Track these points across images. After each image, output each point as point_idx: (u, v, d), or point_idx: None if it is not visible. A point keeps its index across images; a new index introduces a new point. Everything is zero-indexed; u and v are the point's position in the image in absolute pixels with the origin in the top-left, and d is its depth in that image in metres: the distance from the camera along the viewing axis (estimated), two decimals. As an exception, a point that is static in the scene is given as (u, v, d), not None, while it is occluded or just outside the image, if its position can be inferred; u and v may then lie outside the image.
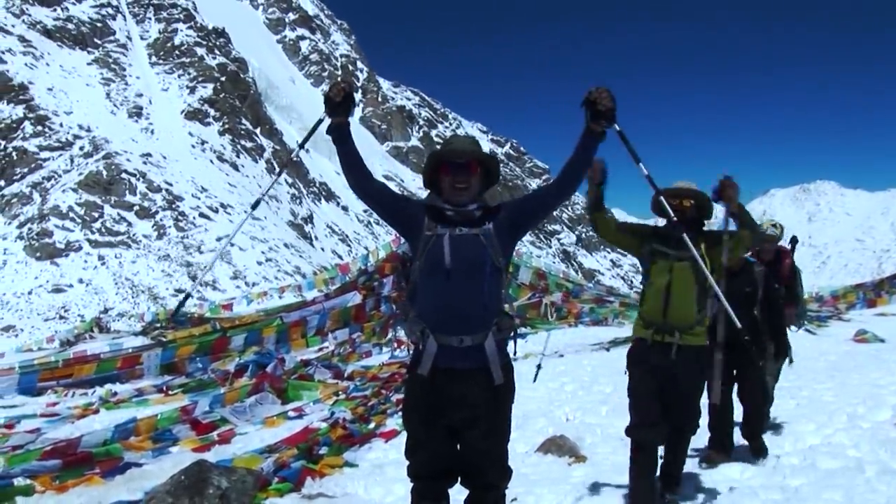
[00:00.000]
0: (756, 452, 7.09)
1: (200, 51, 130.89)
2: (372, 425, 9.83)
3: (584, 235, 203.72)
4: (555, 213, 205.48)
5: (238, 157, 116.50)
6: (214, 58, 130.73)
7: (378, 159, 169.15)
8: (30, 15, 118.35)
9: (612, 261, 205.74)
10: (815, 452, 7.03)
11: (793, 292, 8.38)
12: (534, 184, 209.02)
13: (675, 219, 5.22)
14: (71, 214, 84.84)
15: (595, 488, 6.34)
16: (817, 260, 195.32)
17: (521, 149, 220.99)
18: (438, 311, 3.94)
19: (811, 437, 7.82)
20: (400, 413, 10.93)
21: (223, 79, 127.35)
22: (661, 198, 5.08)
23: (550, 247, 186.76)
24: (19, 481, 7.06)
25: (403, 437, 9.37)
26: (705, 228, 5.85)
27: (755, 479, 6.43)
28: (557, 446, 7.96)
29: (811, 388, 10.67)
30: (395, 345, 18.55)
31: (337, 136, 4.41)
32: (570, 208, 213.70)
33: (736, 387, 7.20)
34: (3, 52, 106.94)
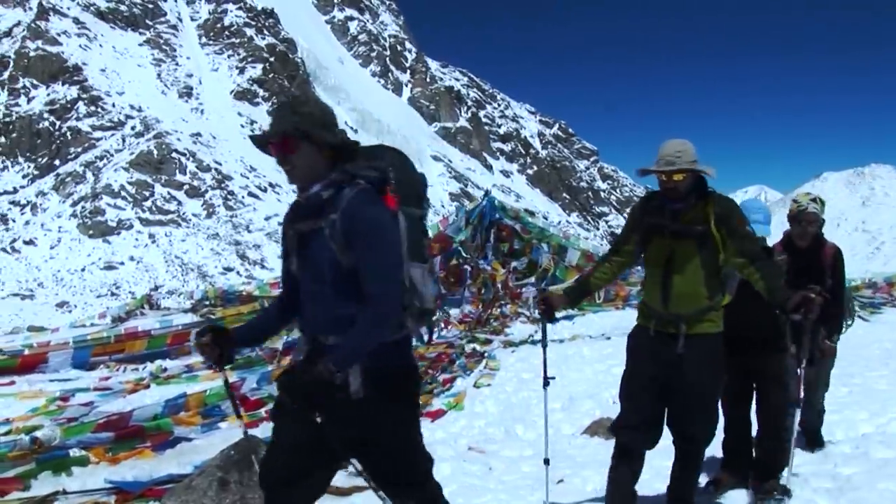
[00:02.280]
0: (765, 496, 5.68)
1: (250, 31, 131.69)
2: (419, 405, 9.84)
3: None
4: (602, 195, 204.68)
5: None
6: (263, 38, 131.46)
7: (426, 140, 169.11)
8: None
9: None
10: (869, 441, 6.69)
11: (838, 290, 6.17)
12: (582, 165, 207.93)
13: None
14: (123, 193, 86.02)
15: (642, 472, 6.16)
16: (871, 245, 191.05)
17: (570, 130, 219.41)
18: None
19: (864, 426, 7.57)
20: (447, 392, 10.97)
21: (272, 59, 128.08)
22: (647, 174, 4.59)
23: (598, 228, 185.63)
24: (75, 452, 7.18)
25: (450, 416, 9.44)
26: (710, 190, 4.68)
27: (805, 467, 5.98)
28: (604, 429, 7.89)
29: (864, 375, 10.37)
30: (442, 325, 18.52)
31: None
32: (618, 190, 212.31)
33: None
34: (58, 35, 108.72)
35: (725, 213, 4.51)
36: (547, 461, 5.36)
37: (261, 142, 3.35)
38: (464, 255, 22.65)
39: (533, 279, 23.97)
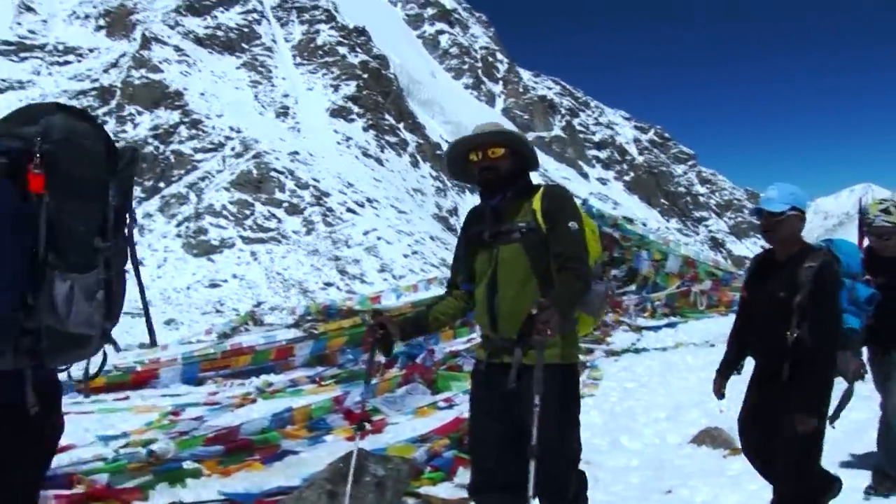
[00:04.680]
0: None
1: (342, 50, 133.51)
2: (523, 415, 9.77)
3: (733, 222, 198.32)
4: (701, 199, 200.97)
5: (382, 151, 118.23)
6: (356, 56, 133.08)
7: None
8: (183, 25, 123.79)
9: (762, 247, 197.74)
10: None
11: None
12: (679, 169, 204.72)
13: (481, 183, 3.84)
14: (224, 212, 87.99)
15: (753, 482, 5.66)
16: None
17: (666, 134, 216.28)
18: None
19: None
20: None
21: (365, 76, 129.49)
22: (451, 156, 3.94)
23: (698, 234, 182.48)
24: (188, 464, 7.34)
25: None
26: (536, 182, 3.92)
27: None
28: (712, 438, 7.76)
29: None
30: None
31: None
32: (717, 194, 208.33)
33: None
34: (160, 62, 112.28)
35: (554, 202, 3.69)
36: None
37: None
38: (562, 264, 22.50)
39: (634, 287, 23.71)
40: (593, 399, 10.72)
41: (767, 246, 4.63)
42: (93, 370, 3.04)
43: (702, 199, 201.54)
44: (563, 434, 3.60)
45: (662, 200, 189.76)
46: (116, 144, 2.83)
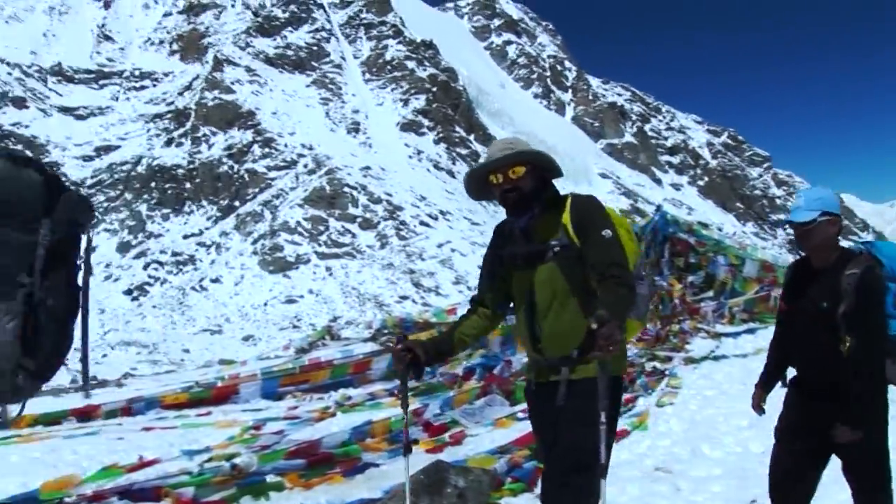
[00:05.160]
0: None
1: (411, 64, 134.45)
2: (602, 425, 9.69)
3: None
4: (778, 202, 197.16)
5: (454, 164, 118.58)
6: (425, 69, 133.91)
7: (592, 158, 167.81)
8: (254, 46, 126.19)
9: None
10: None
11: None
12: (754, 172, 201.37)
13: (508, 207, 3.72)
14: (299, 229, 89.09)
15: (842, 491, 5.30)
16: None
17: (740, 137, 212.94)
18: None
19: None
20: (630, 412, 10.77)
21: (434, 89, 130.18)
22: (471, 179, 3.83)
23: (776, 237, 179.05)
24: (271, 478, 7.43)
25: (634, 436, 9.25)
26: (564, 192, 3.80)
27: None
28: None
29: None
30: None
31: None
32: (794, 196, 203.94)
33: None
34: (232, 83, 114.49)
35: (584, 214, 3.57)
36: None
37: None
38: (639, 271, 22.25)
39: (711, 293, 23.33)
40: (673, 408, 10.58)
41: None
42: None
43: (778, 201, 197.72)
44: (608, 448, 3.38)
45: (738, 204, 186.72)
46: (64, 191, 2.98)
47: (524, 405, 11.72)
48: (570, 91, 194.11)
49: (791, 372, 4.59)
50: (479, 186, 3.81)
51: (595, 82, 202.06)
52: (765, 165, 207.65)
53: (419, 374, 3.84)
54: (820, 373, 4.18)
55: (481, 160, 3.64)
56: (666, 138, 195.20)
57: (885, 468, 4.14)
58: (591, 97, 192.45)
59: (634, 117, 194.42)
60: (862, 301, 3.95)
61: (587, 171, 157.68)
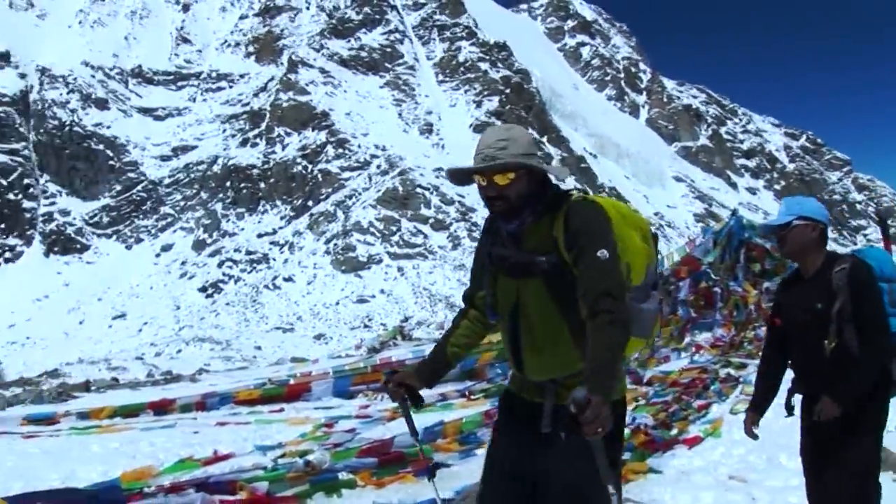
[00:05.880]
0: None
1: (484, 65, 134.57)
2: (674, 431, 9.57)
3: (894, 229, 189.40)
4: (858, 207, 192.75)
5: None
6: (498, 71, 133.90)
7: (666, 161, 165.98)
8: (328, 48, 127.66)
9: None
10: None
11: None
12: (833, 176, 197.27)
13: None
14: (371, 229, 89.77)
15: None
16: None
17: (819, 140, 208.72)
18: None
19: None
20: (703, 419, 10.63)
21: (508, 91, 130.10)
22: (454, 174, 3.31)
23: (856, 243, 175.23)
24: (343, 475, 7.48)
25: (708, 443, 9.12)
26: (565, 189, 3.24)
27: None
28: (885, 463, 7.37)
29: None
30: (694, 349, 18.02)
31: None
32: (875, 201, 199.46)
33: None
34: (307, 85, 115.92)
35: (579, 228, 3.00)
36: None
37: None
38: (713, 276, 21.94)
39: (788, 299, 22.89)
40: (748, 415, 10.40)
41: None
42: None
43: (859, 206, 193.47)
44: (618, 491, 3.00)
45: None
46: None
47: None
48: (644, 93, 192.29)
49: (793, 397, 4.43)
50: (462, 178, 3.28)
51: (670, 84, 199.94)
52: (845, 169, 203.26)
53: (419, 404, 3.49)
54: (822, 378, 4.05)
55: (481, 153, 3.09)
56: (742, 141, 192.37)
57: (867, 490, 3.99)
58: (665, 99, 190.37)
59: (710, 120, 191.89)
60: (857, 294, 3.91)
61: (661, 174, 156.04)
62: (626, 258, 3.06)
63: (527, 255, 3.07)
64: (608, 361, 2.76)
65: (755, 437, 4.50)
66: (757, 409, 4.51)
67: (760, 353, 4.65)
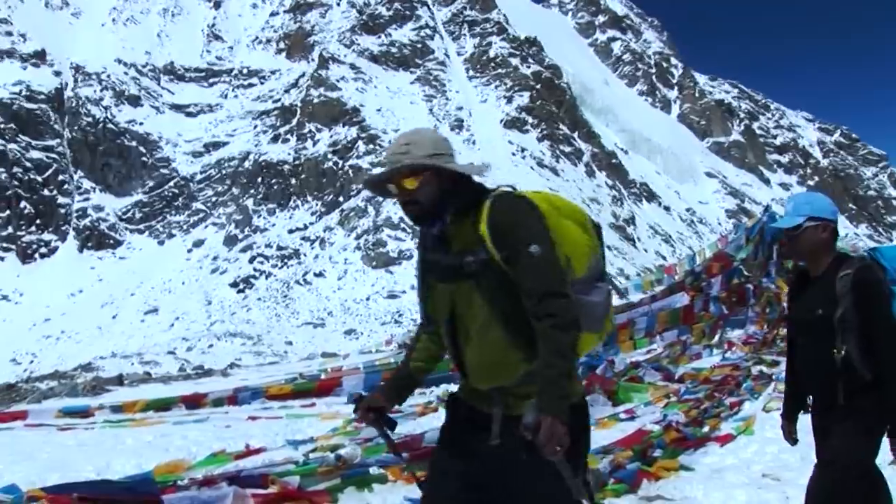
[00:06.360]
0: None
1: (514, 61, 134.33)
2: (706, 429, 9.50)
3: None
4: (894, 203, 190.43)
5: (557, 161, 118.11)
6: (528, 67, 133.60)
7: (698, 156, 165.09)
8: (358, 44, 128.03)
9: None
10: None
11: None
12: (868, 172, 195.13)
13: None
14: (402, 225, 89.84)
15: None
16: None
17: (853, 135, 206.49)
18: None
19: None
20: (735, 416, 10.54)
21: (538, 86, 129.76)
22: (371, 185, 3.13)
23: (891, 240, 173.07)
24: (374, 470, 7.49)
25: (741, 441, 9.05)
26: (490, 187, 3.07)
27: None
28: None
29: None
30: (726, 347, 17.89)
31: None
32: None
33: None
34: (337, 81, 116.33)
35: (504, 226, 2.83)
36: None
37: None
38: (745, 273, 21.72)
39: (821, 296, 22.69)
40: (780, 413, 10.32)
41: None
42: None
43: (895, 202, 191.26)
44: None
45: (850, 205, 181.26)
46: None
47: (627, 406, 11.62)
48: (675, 88, 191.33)
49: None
50: (377, 189, 3.13)
51: (702, 79, 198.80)
52: (881, 165, 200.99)
53: (392, 424, 3.35)
54: (826, 387, 3.91)
55: (388, 159, 2.99)
56: (774, 136, 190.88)
57: (870, 447, 3.86)
58: (697, 94, 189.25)
59: (742, 115, 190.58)
60: (860, 303, 3.71)
61: (693, 169, 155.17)
62: (564, 250, 2.90)
63: (455, 257, 2.91)
64: (559, 371, 2.67)
65: (795, 441, 4.42)
66: (789, 416, 4.41)
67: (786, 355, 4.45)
